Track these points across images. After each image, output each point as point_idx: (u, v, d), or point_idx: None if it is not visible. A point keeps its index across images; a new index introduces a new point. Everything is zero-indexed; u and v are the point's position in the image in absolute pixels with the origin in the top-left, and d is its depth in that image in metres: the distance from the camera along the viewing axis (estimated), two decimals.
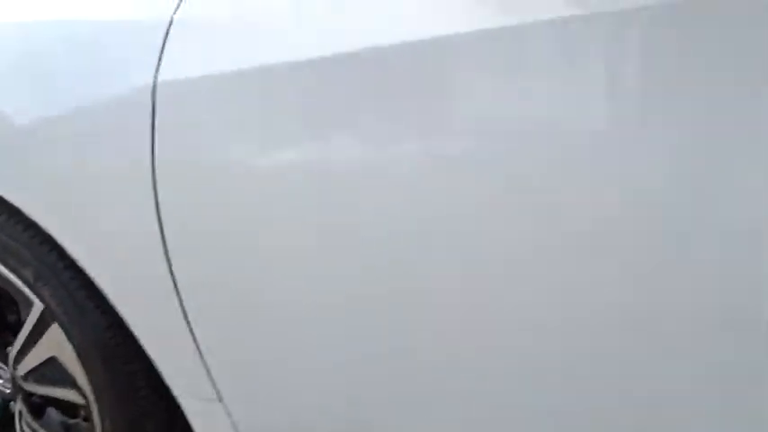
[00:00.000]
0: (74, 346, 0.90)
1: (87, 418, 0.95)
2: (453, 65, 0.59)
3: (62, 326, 0.89)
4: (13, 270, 0.90)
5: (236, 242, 0.73)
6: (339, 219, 0.66)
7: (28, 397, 1.01)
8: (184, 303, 0.77)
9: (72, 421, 1.00)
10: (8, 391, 1.03)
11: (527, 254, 0.57)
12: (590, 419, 0.59)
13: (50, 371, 0.94)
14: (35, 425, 1.02)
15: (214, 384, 0.81)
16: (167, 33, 0.69)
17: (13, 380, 1.01)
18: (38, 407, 1.02)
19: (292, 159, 0.68)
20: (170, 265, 0.75)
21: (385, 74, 0.60)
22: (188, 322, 0.78)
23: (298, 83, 0.65)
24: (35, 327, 0.92)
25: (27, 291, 0.90)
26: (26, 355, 0.96)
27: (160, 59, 0.69)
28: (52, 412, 1.02)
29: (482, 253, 0.60)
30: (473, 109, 0.58)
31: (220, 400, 0.81)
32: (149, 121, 0.70)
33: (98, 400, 0.91)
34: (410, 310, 0.65)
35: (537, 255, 0.57)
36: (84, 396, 0.92)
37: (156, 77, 0.69)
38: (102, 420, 0.92)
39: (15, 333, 0.96)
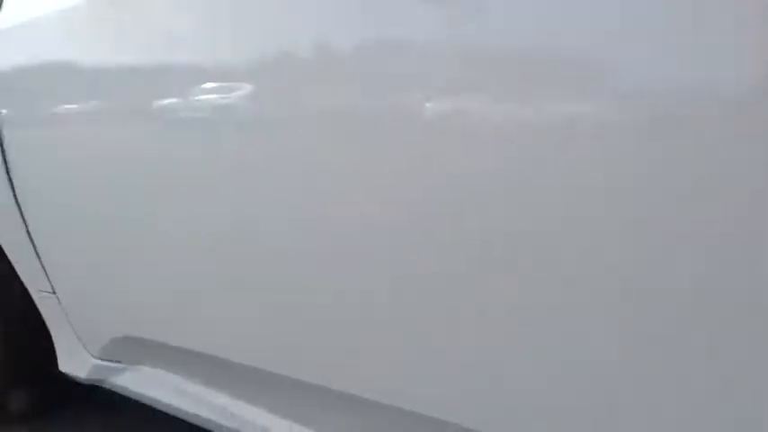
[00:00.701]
0: None
1: None
2: None
3: None
4: None
5: (63, 162, 0.94)
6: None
7: None
8: (25, 216, 1.01)
9: None
10: None
11: None
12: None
13: None
14: None
15: (49, 281, 1.04)
16: None
17: None
18: None
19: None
20: (12, 186, 0.99)
21: None
22: (28, 232, 1.02)
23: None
24: None
25: None
26: None
27: None
28: None
29: None
30: None
31: (54, 292, 1.05)
32: None
33: None
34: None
35: None
36: None
37: None
38: None
39: None
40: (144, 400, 1.03)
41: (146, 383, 1.02)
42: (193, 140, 0.76)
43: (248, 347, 0.83)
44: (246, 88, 0.67)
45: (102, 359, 1.07)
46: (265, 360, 0.80)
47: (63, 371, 1.13)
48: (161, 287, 0.92)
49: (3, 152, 0.99)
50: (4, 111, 0.98)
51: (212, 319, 0.87)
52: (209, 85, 0.70)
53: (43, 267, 1.04)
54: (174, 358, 0.96)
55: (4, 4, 0.99)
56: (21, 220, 1.02)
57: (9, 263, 1.11)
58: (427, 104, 0.55)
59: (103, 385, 1.10)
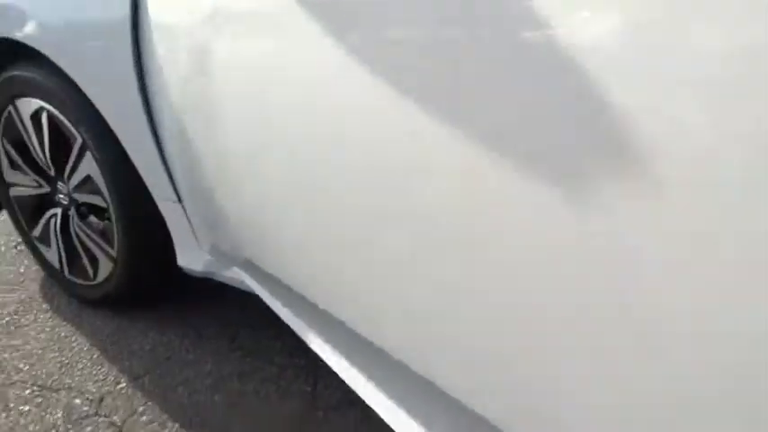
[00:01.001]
0: (99, 167, 1.39)
1: (110, 219, 1.45)
2: None
3: (93, 153, 1.38)
4: (64, 115, 1.39)
5: (201, 80, 1.07)
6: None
7: (78, 207, 1.54)
8: (157, 131, 1.22)
9: (103, 223, 1.51)
10: (66, 202, 1.56)
11: None
12: None
13: (88, 185, 1.45)
14: (82, 225, 1.54)
15: (176, 190, 1.27)
16: None
17: (68, 194, 1.53)
18: (84, 214, 1.54)
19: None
20: (146, 102, 1.19)
21: None
22: (158, 145, 1.24)
23: None
24: (78, 154, 1.42)
25: (73, 129, 1.39)
26: (74, 174, 1.47)
27: None
28: (93, 218, 1.54)
29: None
30: None
31: (180, 201, 1.28)
32: None
33: (113, 204, 1.41)
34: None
35: None
36: (106, 201, 1.42)
37: None
38: (117, 220, 1.42)
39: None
40: (250, 291, 1.27)
41: (251, 282, 1.26)
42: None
43: (346, 304, 1.00)
44: None
45: (215, 257, 1.31)
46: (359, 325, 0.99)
47: (180, 265, 1.37)
48: (278, 219, 1.09)
49: (139, 62, 1.18)
50: (152, 15, 1.11)
51: (305, 262, 1.06)
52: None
53: (172, 180, 1.26)
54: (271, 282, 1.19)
55: None
56: (152, 136, 1.23)
57: (131, 171, 1.33)
58: None
59: (214, 278, 1.35)
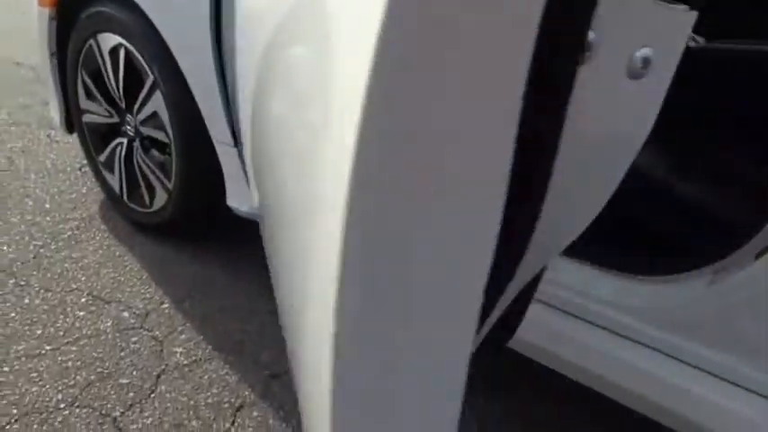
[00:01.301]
0: (167, 105, 1.51)
1: (170, 154, 1.58)
2: None
3: (161, 92, 1.50)
4: (140, 53, 1.51)
5: (277, 33, 1.21)
6: None
7: (142, 139, 1.67)
8: (225, 78, 1.33)
9: (163, 157, 1.64)
10: (132, 134, 1.69)
11: None
12: None
13: (154, 120, 1.57)
14: (144, 157, 1.68)
15: (232, 134, 1.38)
16: None
17: (135, 126, 1.66)
18: (147, 147, 1.67)
19: None
20: (218, 48, 1.29)
21: None
22: (224, 91, 1.34)
23: None
24: (148, 91, 1.54)
25: (146, 67, 1.51)
26: (142, 109, 1.59)
27: None
28: (154, 151, 1.67)
29: None
30: None
31: (235, 145, 1.39)
32: None
33: (175, 140, 1.53)
34: None
35: None
36: (169, 138, 1.55)
37: None
38: (177, 156, 1.55)
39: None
40: None
41: None
42: None
43: None
44: None
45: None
46: None
47: (229, 204, 1.50)
48: None
49: (217, 7, 1.27)
50: None
51: None
52: None
53: (231, 126, 1.37)
54: None
55: None
56: (220, 82, 1.33)
57: (195, 113, 1.45)
58: None
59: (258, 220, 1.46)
